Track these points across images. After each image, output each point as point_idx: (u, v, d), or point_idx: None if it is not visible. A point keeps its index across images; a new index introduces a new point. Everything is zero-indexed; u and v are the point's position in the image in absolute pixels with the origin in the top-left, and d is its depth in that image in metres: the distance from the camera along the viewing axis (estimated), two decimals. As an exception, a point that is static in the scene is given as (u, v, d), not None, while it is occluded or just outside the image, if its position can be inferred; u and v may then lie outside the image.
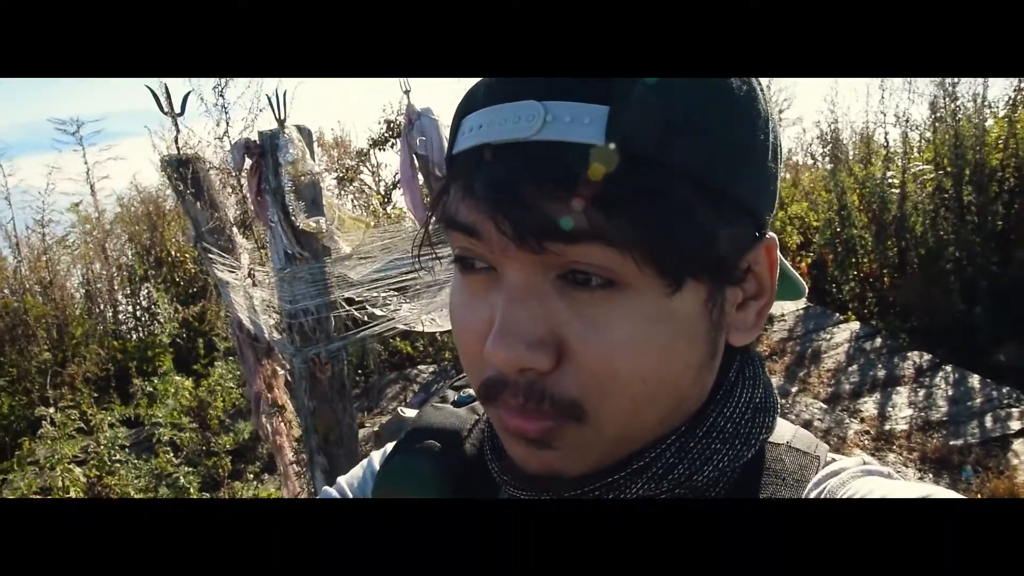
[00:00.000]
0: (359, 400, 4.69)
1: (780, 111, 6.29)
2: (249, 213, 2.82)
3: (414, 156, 2.31)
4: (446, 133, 1.77)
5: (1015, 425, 3.30)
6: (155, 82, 2.20)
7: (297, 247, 2.19)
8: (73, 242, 5.65)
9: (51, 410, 3.21)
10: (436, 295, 2.40)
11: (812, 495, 0.45)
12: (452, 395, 0.60)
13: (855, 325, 4.53)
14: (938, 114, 4.95)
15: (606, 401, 0.41)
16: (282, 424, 2.64)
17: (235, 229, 2.54)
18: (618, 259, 0.38)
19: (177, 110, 2.28)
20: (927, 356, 4.02)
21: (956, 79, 4.66)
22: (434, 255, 0.52)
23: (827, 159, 6.04)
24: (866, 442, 3.47)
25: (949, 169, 4.60)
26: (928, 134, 5.14)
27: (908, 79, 4.95)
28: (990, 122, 4.67)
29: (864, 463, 0.47)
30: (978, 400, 3.56)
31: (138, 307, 5.75)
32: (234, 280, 2.43)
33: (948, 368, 3.87)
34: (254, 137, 2.23)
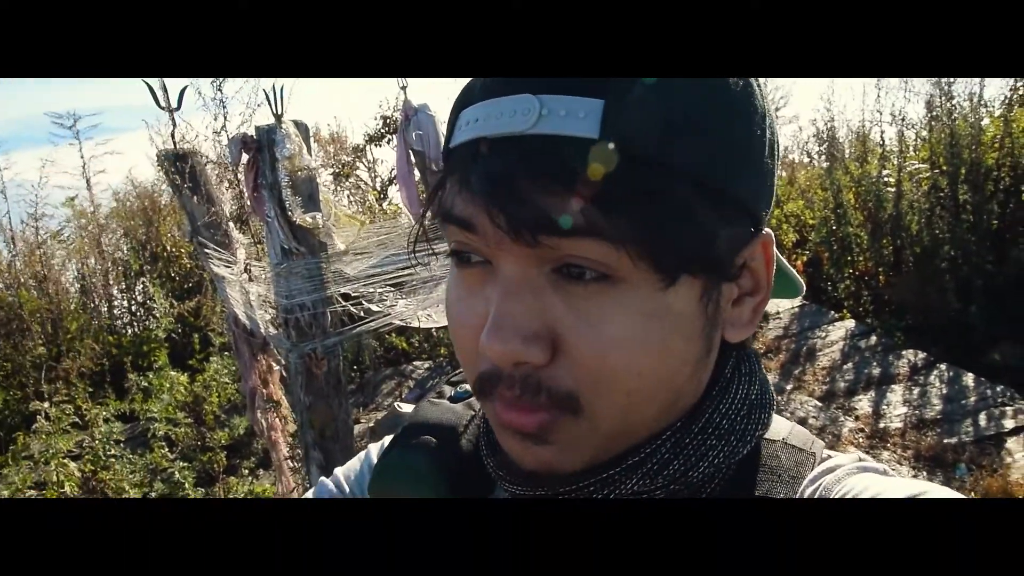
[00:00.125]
0: (355, 396, 4.68)
1: (776, 109, 6.29)
2: (246, 208, 2.81)
3: (410, 152, 2.31)
4: (443, 129, 1.77)
5: (1009, 423, 3.32)
6: (154, 79, 2.19)
7: (293, 242, 2.19)
8: (68, 236, 5.64)
9: (46, 405, 3.19)
10: (432, 291, 2.40)
11: (808, 491, 0.45)
12: (448, 391, 0.60)
13: (850, 323, 4.54)
14: (934, 113, 4.96)
15: (601, 395, 0.41)
16: (277, 420, 2.64)
17: (231, 224, 2.53)
18: (612, 253, 0.38)
19: (174, 105, 2.28)
20: (922, 354, 4.03)
21: (952, 79, 4.66)
22: (430, 251, 0.52)
23: (823, 157, 6.05)
24: (861, 440, 3.48)
25: (945, 168, 4.60)
26: (924, 133, 5.15)
27: (904, 78, 4.95)
28: (986, 121, 4.68)
29: (860, 460, 0.47)
30: (973, 398, 3.57)
31: (133, 302, 5.73)
32: (230, 275, 2.42)
33: (943, 366, 3.88)
34: (251, 132, 2.22)
